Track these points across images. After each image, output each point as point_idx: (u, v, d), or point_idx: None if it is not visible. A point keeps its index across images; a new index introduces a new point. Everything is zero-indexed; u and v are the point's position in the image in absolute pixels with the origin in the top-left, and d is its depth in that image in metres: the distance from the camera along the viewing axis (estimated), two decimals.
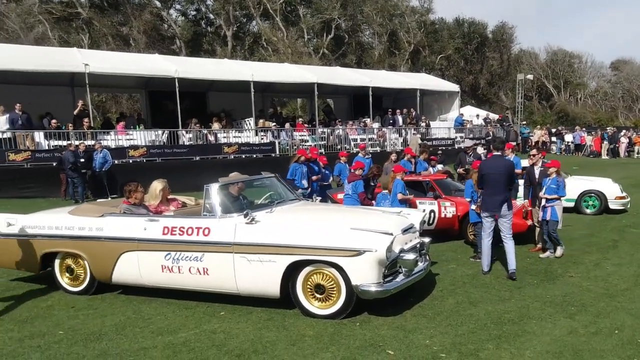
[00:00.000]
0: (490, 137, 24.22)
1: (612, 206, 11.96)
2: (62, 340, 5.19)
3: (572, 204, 12.07)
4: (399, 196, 8.44)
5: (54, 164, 15.89)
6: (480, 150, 19.18)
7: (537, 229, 8.64)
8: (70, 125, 17.66)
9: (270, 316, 5.71)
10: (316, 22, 46.54)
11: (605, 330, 5.28)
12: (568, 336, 5.12)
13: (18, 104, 16.78)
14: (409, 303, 6.03)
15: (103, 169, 16.21)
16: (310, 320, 5.55)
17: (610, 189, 12.16)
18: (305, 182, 10.28)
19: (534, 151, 9.23)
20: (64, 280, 6.80)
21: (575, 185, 12.15)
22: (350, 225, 5.63)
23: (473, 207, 7.96)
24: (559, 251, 8.24)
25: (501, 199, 7.06)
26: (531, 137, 30.49)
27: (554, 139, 31.99)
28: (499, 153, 7.47)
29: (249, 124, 21.26)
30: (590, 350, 4.81)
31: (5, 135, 16.36)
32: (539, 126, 34.55)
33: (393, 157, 11.68)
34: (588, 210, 12.04)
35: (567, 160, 25.88)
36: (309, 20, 46.61)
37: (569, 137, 31.36)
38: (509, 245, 7.14)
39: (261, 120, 21.59)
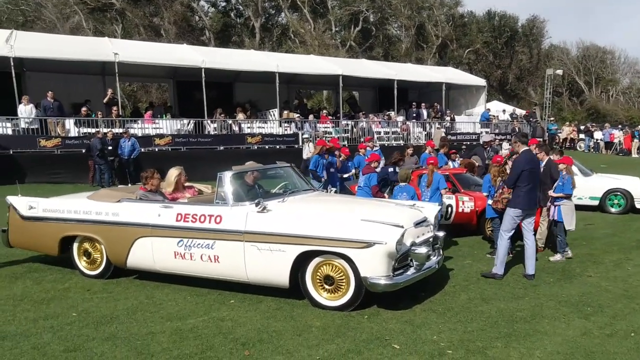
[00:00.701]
0: (515, 133, 23.80)
1: (638, 205, 11.62)
2: (74, 322, 5.30)
3: (596, 203, 11.80)
4: (443, 192, 8.39)
5: (83, 151, 16.29)
6: (506, 145, 18.86)
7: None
8: (99, 113, 18.06)
9: (279, 306, 5.73)
10: (344, 14, 46.33)
11: (621, 332, 5.14)
12: (581, 337, 5.00)
13: (50, 92, 17.23)
14: (419, 298, 5.97)
15: (132, 157, 16.53)
16: (318, 311, 5.55)
17: (637, 187, 11.81)
18: (326, 173, 10.28)
19: (536, 149, 9.04)
20: (81, 264, 6.95)
21: (601, 183, 11.87)
22: (361, 217, 5.59)
23: (490, 202, 7.82)
24: (557, 256, 7.86)
25: (537, 196, 6.94)
26: (559, 134, 29.81)
27: (582, 136, 31.19)
28: (528, 147, 7.13)
29: (273, 114, 21.37)
30: (603, 352, 4.69)
31: (33, 125, 16.81)
32: (567, 122, 33.74)
33: (409, 151, 11.56)
34: (613, 209, 11.74)
35: (595, 158, 25.28)
36: (336, 12, 46.43)
37: (598, 135, 30.53)
38: (531, 247, 6.90)
39: (285, 112, 21.67)
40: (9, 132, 16.56)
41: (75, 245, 6.93)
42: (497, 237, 7.84)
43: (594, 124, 33.72)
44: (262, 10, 45.60)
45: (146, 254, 6.30)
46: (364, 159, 10.81)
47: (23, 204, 7.16)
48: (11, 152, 15.77)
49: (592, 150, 30.01)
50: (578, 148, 30.07)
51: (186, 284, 6.41)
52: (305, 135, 17.98)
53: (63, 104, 17.94)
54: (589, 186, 11.67)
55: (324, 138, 16.32)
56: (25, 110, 16.82)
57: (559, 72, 35.69)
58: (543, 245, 8.38)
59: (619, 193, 11.80)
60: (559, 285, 6.61)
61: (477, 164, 11.39)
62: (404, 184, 8.24)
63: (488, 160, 11.57)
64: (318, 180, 9.58)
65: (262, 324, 5.23)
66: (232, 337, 4.91)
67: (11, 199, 7.30)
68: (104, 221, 6.54)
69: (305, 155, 16.85)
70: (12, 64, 16.15)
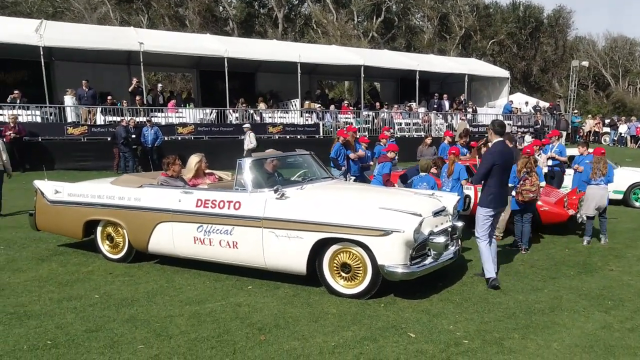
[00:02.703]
0: (539, 126, 23.43)
1: None
2: (96, 304, 5.43)
3: (620, 196, 11.57)
4: (464, 183, 8.36)
5: (109, 139, 16.60)
6: (528, 138, 18.64)
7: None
8: (124, 102, 18.37)
9: (296, 292, 5.78)
10: (366, 4, 45.99)
11: None
12: (601, 331, 4.93)
13: (84, 81, 17.58)
14: (437, 287, 5.96)
15: (155, 145, 16.78)
16: (335, 298, 5.57)
17: None
18: (346, 162, 10.27)
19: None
20: (104, 248, 7.10)
21: (624, 177, 11.61)
22: (379, 205, 5.59)
23: (513, 193, 7.72)
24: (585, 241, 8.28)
25: (507, 192, 6.38)
26: (583, 127, 29.23)
27: (607, 129, 30.47)
28: (501, 139, 6.27)
29: (295, 105, 21.42)
30: (623, 346, 4.61)
31: (69, 114, 17.23)
32: (590, 116, 33.00)
33: (428, 140, 11.46)
34: (637, 204, 11.51)
35: (620, 151, 24.73)
36: (359, 2, 46.09)
37: (623, 128, 29.77)
38: (494, 245, 6.29)
39: (307, 102, 21.71)
40: (38, 119, 16.94)
41: (99, 230, 7.08)
42: (517, 230, 7.80)
43: (622, 117, 32.91)
44: (285, 1, 45.57)
45: (167, 238, 6.40)
46: (382, 149, 10.77)
47: (49, 188, 7.33)
48: (40, 140, 16.15)
49: (616, 143, 29.36)
50: (603, 141, 29.45)
51: (205, 269, 6.51)
52: (246, 125, 17.52)
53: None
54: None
55: (343, 128, 16.23)
56: (73, 102, 17.30)
57: (585, 63, 34.87)
58: (502, 235, 8.31)
59: None
60: (579, 278, 6.52)
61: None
62: (424, 173, 8.23)
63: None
64: (338, 169, 9.57)
65: (278, 309, 5.29)
66: (249, 322, 4.98)
67: (38, 184, 7.49)
68: (126, 206, 6.66)
69: (246, 147, 16.62)
70: (41, 53, 16.47)
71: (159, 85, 21.52)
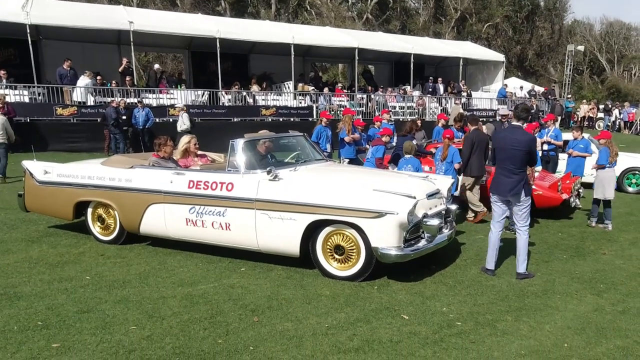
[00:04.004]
0: (534, 110, 23.40)
1: None
2: (87, 285, 5.38)
3: None
4: (456, 166, 8.34)
5: (98, 120, 16.39)
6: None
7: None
8: (114, 82, 18.09)
9: (290, 274, 5.75)
10: None
11: (633, 309, 5.08)
12: (593, 313, 4.95)
13: (68, 61, 17.27)
14: (430, 270, 5.96)
15: (146, 126, 16.59)
16: (328, 280, 5.56)
17: None
18: (329, 146, 10.19)
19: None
20: (95, 229, 7.02)
21: (618, 162, 11.62)
22: (373, 187, 5.54)
23: None
24: (605, 224, 8.36)
25: (516, 181, 5.73)
26: (577, 113, 29.21)
27: (601, 114, 30.48)
28: (519, 123, 5.88)
29: (288, 87, 21.24)
30: (615, 328, 4.64)
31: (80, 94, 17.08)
32: (584, 101, 32.98)
33: (418, 122, 11.38)
34: (630, 189, 11.57)
35: (614, 137, 24.78)
36: None
37: (617, 113, 29.78)
38: (521, 240, 5.87)
39: (300, 84, 21.54)
40: (26, 100, 16.67)
41: (89, 211, 7.00)
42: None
43: (617, 102, 32.87)
44: None
45: (159, 220, 6.33)
46: (377, 132, 10.72)
47: (38, 168, 7.22)
48: (28, 120, 15.91)
49: (610, 129, 29.41)
50: (597, 127, 29.52)
51: (198, 251, 6.47)
52: (179, 105, 16.89)
53: (80, 74, 18.02)
54: None
55: (325, 109, 16.00)
56: (91, 83, 17.18)
57: (580, 47, 34.78)
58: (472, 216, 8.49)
59: (637, 172, 11.60)
60: (572, 261, 6.55)
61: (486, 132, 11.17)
62: (408, 156, 8.19)
63: None
64: None
65: (272, 291, 5.26)
66: (242, 303, 4.95)
67: (27, 164, 7.38)
68: (117, 187, 6.58)
69: (179, 128, 16.25)
70: (28, 31, 16.14)
71: (156, 66, 21.15)
